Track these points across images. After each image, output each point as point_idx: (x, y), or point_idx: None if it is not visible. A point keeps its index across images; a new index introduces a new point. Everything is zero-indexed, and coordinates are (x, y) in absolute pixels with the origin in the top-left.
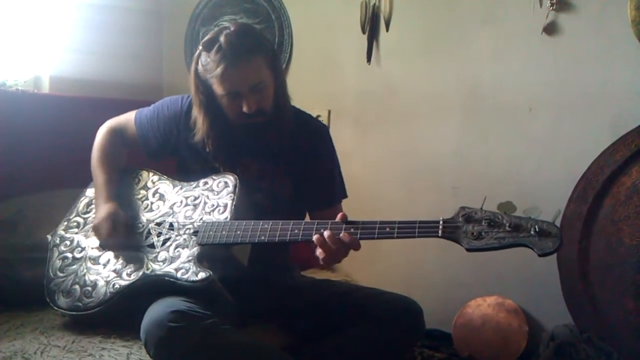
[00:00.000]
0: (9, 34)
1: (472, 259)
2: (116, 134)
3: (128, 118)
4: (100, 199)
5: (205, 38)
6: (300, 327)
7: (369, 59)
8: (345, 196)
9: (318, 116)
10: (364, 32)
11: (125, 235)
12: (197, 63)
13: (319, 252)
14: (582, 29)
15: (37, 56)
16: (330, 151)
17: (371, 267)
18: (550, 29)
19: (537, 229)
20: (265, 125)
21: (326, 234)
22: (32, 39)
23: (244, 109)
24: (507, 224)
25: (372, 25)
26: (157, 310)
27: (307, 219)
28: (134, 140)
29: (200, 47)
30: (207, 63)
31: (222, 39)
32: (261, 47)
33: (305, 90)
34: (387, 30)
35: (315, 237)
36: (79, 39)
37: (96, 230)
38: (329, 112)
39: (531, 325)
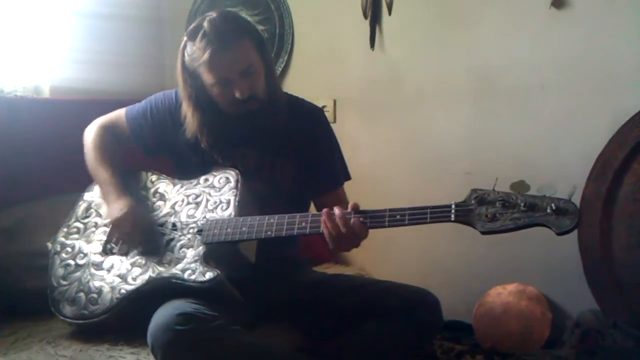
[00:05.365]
0: (8, 42)
1: (489, 246)
2: (108, 132)
3: (118, 115)
4: (111, 194)
5: (189, 28)
6: (313, 324)
7: (372, 45)
8: (349, 177)
9: (324, 106)
10: (365, 17)
11: (150, 229)
12: (182, 54)
13: (327, 232)
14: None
15: (37, 65)
16: (327, 133)
17: (386, 260)
18: (559, 2)
19: (553, 207)
20: (259, 113)
21: (337, 212)
22: (31, 47)
23: (237, 95)
24: (522, 204)
25: (373, 9)
26: (164, 313)
27: (312, 207)
28: (126, 138)
29: (185, 38)
30: (193, 52)
31: (205, 24)
32: (247, 30)
33: (309, 81)
34: (390, 13)
35: (324, 211)
36: (79, 48)
37: (116, 226)
38: (335, 101)
39: (554, 312)
